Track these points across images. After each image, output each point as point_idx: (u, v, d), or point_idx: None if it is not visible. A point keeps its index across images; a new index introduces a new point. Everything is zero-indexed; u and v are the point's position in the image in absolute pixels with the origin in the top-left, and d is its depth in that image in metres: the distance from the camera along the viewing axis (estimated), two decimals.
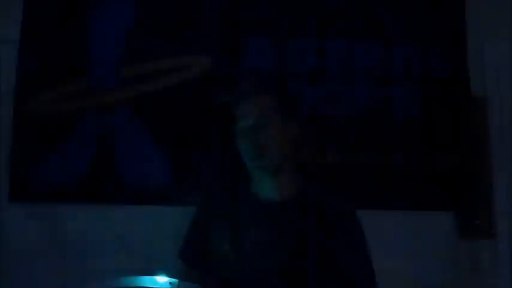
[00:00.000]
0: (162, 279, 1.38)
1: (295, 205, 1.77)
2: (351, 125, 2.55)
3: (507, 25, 2.63)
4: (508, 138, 2.60)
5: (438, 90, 2.59)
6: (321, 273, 1.72)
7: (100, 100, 2.54)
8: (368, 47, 2.60)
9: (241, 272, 1.69)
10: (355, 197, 2.46)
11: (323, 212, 1.77)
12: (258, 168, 1.75)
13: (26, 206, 2.50)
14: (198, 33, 2.59)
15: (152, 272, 1.41)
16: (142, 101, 2.55)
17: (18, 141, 2.52)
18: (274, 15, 2.61)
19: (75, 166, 2.50)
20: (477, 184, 2.55)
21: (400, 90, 2.58)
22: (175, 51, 2.59)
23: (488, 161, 2.58)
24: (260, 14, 2.61)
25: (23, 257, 2.46)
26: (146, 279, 1.36)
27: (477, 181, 2.55)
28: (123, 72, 2.56)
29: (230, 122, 1.83)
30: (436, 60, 2.61)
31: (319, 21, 2.62)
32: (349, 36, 2.61)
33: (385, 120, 2.56)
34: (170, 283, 1.37)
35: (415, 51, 2.61)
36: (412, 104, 2.58)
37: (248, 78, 1.94)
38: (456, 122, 2.57)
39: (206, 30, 2.59)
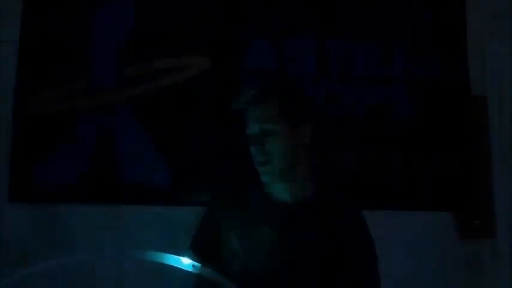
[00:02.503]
0: (187, 260, 1.39)
1: (307, 206, 1.76)
2: (351, 125, 2.55)
3: (507, 25, 2.63)
4: (508, 138, 2.60)
5: (438, 90, 2.59)
6: (328, 276, 1.71)
7: (100, 100, 2.54)
8: (368, 47, 2.60)
9: (248, 270, 1.69)
10: (355, 197, 2.47)
11: (335, 217, 1.75)
12: (265, 174, 1.75)
13: (26, 206, 2.50)
14: (198, 33, 2.59)
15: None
16: (142, 101, 2.55)
17: (18, 141, 2.52)
18: (274, 15, 2.61)
19: (75, 166, 2.50)
20: (477, 184, 2.55)
21: (400, 90, 2.58)
22: (175, 51, 2.59)
23: (488, 161, 2.58)
24: (260, 14, 2.61)
25: (23, 257, 2.46)
26: (171, 258, 1.38)
27: (477, 181, 2.55)
28: (123, 72, 2.56)
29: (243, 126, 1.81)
30: (436, 60, 2.61)
31: (319, 21, 2.62)
32: (349, 36, 2.61)
33: (385, 120, 2.57)
34: (193, 266, 1.38)
35: (415, 51, 2.61)
36: (412, 104, 2.58)
37: (256, 82, 1.89)
38: (456, 122, 2.57)
39: (206, 30, 2.59)
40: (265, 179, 1.76)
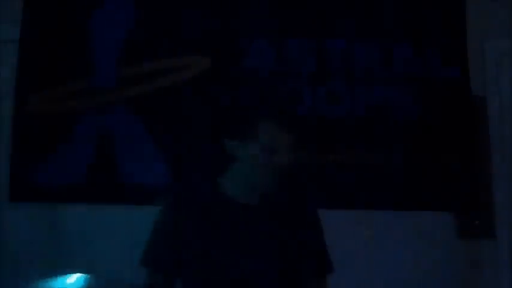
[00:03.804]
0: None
1: (266, 206, 1.77)
2: (351, 125, 2.55)
3: (507, 25, 2.63)
4: (508, 138, 2.60)
5: (438, 90, 2.59)
6: (289, 274, 1.71)
7: (100, 100, 2.55)
8: (368, 47, 2.60)
9: (212, 274, 1.69)
10: (355, 197, 2.48)
11: (288, 212, 1.76)
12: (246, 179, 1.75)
13: (26, 206, 2.50)
14: (198, 33, 2.59)
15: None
16: (143, 101, 2.55)
17: (18, 141, 2.52)
18: (274, 15, 2.61)
19: (75, 166, 2.50)
20: (477, 184, 2.55)
21: (400, 90, 2.58)
22: (175, 51, 2.59)
23: (488, 161, 2.58)
24: (260, 14, 2.61)
25: (23, 257, 2.46)
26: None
27: (477, 181, 2.55)
28: (123, 72, 2.56)
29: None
30: (436, 60, 2.60)
31: (319, 21, 2.62)
32: (349, 36, 2.61)
33: (385, 120, 2.56)
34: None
35: (415, 51, 2.61)
36: (412, 104, 2.58)
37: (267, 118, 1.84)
38: (456, 122, 2.57)
39: (206, 30, 2.59)
40: (235, 182, 1.76)
